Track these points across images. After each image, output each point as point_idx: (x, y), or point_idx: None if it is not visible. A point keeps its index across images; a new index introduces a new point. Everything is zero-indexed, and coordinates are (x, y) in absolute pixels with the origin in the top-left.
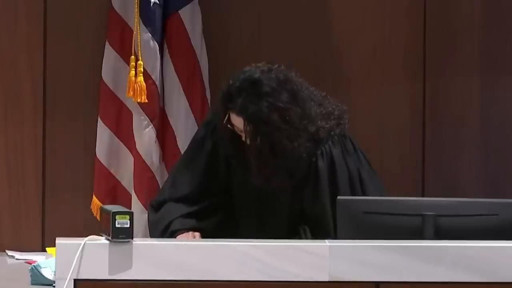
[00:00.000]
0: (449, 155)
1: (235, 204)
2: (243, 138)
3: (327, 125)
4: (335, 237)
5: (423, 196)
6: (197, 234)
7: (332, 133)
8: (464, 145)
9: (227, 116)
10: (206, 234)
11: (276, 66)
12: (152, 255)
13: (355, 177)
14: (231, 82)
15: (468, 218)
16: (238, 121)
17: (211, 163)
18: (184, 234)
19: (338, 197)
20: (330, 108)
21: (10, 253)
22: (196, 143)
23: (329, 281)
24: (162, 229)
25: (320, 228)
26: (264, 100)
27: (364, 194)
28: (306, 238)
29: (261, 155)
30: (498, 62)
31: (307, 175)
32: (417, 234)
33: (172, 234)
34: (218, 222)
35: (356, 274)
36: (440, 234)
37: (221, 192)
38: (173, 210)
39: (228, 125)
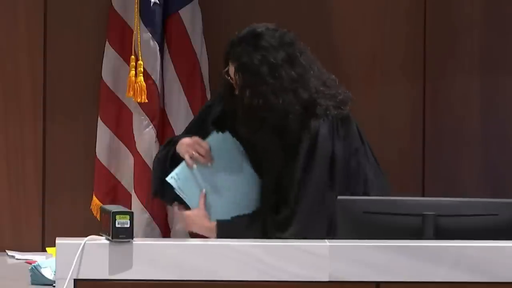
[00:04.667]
0: (449, 155)
1: None
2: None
3: (324, 104)
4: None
5: (423, 196)
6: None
7: (327, 112)
8: (464, 144)
9: (227, 67)
10: None
11: (286, 30)
12: (152, 255)
13: (340, 165)
14: (236, 33)
15: (468, 218)
16: (232, 70)
17: (219, 123)
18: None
19: (338, 197)
20: (335, 91)
21: (10, 253)
22: (205, 105)
23: (329, 281)
24: (166, 148)
25: (284, 210)
26: (259, 53)
27: (366, 192)
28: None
29: (247, 106)
30: (498, 62)
31: (291, 149)
32: (417, 234)
33: (175, 143)
34: None
35: (356, 274)
36: (440, 234)
37: None
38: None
39: (226, 76)
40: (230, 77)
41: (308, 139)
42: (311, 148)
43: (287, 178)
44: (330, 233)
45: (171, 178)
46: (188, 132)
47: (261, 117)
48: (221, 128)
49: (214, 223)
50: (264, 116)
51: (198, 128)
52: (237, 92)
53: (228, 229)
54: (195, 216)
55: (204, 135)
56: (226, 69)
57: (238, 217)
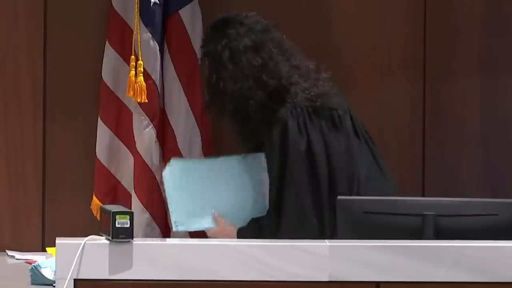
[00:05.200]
0: (449, 155)
1: None
2: None
3: (295, 94)
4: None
5: (423, 196)
6: None
7: (295, 100)
8: (464, 144)
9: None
10: None
11: (263, 20)
12: (152, 255)
13: (321, 157)
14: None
15: (468, 218)
16: None
17: None
18: None
19: (338, 197)
20: (310, 85)
21: (10, 253)
22: None
23: (329, 281)
24: None
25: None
26: (224, 40)
27: (358, 191)
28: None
29: (210, 89)
30: (498, 62)
31: (262, 141)
32: (417, 234)
33: None
34: None
35: (356, 274)
36: (440, 234)
37: None
38: None
39: None
40: None
41: (278, 136)
42: (283, 147)
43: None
44: (325, 232)
45: (175, 227)
46: None
47: (223, 101)
48: None
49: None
50: (226, 101)
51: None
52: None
53: (243, 235)
54: (222, 234)
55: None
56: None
57: (251, 220)
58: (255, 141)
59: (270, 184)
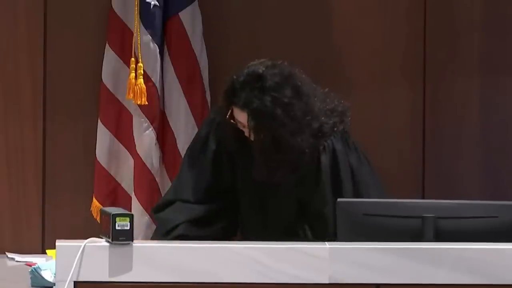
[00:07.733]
0: (450, 156)
1: (240, 202)
2: (246, 134)
3: (331, 121)
4: (334, 236)
5: (423, 197)
6: None
7: (335, 129)
8: (464, 145)
9: (230, 111)
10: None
11: (280, 62)
12: (152, 257)
13: (358, 173)
14: (235, 77)
15: (468, 220)
16: (241, 116)
17: (216, 162)
18: None
19: (338, 199)
20: (333, 105)
21: (10, 255)
22: (200, 141)
23: (329, 283)
24: (167, 230)
25: (321, 225)
26: (268, 95)
27: (365, 192)
28: (306, 238)
29: (265, 149)
30: (498, 63)
31: (310, 170)
32: (417, 236)
33: (176, 238)
34: (222, 228)
35: (356, 276)
36: (440, 236)
37: (226, 192)
38: (180, 212)
39: (231, 121)
40: (237, 122)
41: (328, 160)
42: (334, 166)
43: (317, 203)
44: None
45: None
46: (190, 161)
47: (279, 159)
48: (219, 158)
49: None
50: (283, 158)
51: (197, 159)
52: (252, 137)
53: None
54: None
55: (203, 165)
56: (229, 112)
57: None
58: (301, 185)
59: (323, 204)
